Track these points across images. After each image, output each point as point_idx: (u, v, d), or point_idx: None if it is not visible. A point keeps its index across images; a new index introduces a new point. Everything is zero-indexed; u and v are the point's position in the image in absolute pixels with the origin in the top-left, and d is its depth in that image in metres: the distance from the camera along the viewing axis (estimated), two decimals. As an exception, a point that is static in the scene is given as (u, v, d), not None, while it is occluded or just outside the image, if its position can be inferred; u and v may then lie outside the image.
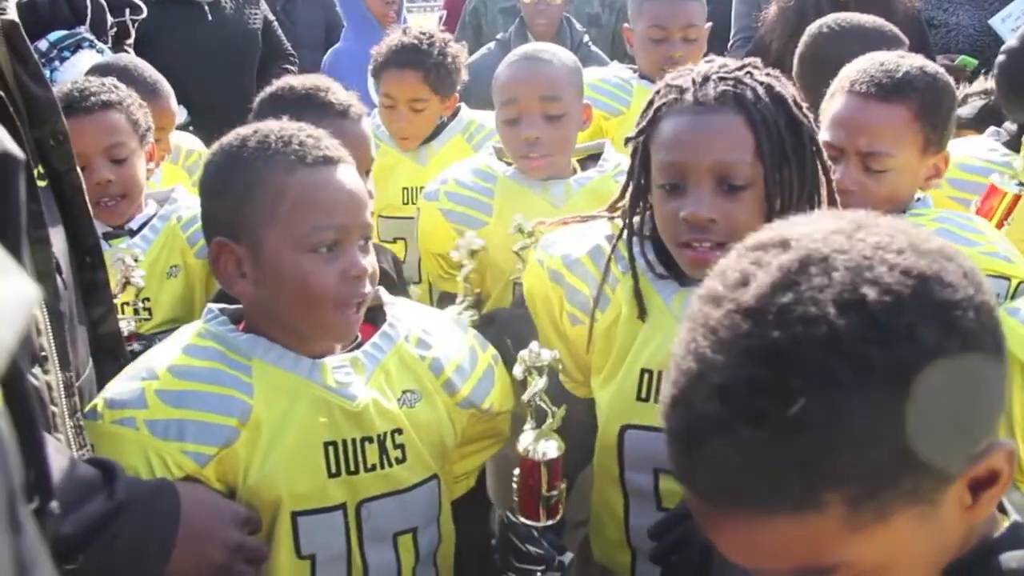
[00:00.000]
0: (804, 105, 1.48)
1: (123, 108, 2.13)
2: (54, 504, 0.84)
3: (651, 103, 1.50)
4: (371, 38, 3.63)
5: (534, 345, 1.45)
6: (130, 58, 2.67)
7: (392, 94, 2.61)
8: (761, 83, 1.44)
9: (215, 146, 1.45)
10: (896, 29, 2.43)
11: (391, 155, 2.66)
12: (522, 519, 1.45)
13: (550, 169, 2.20)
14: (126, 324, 1.90)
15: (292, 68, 3.81)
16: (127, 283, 1.91)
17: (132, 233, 2.18)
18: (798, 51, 2.49)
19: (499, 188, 2.23)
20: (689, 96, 1.44)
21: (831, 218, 0.79)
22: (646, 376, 1.54)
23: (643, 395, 1.54)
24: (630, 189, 1.56)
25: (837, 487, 0.71)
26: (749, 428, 0.70)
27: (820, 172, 1.47)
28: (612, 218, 1.65)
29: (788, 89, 1.48)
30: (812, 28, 2.50)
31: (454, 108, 2.73)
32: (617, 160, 2.30)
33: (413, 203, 2.60)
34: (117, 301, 1.91)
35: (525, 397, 1.44)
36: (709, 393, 0.72)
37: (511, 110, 2.19)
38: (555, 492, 1.44)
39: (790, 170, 1.43)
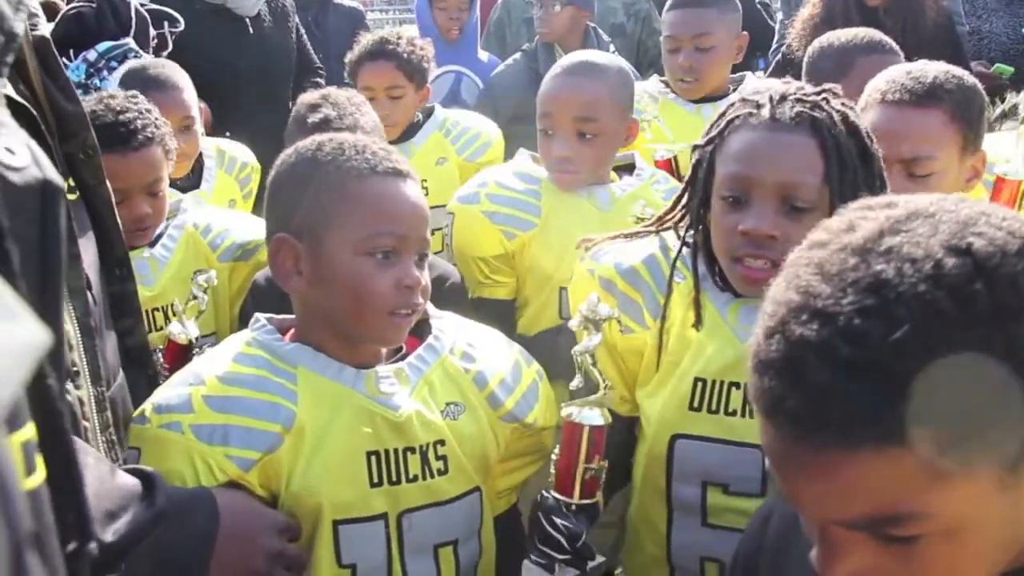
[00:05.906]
0: (874, 138, 1.47)
1: (160, 141, 2.15)
2: (92, 546, 0.84)
3: (723, 115, 1.50)
4: (438, 53, 3.68)
5: (592, 296, 1.44)
6: (153, 63, 2.66)
7: (371, 85, 2.76)
8: (837, 111, 1.44)
9: (290, 149, 1.48)
10: (892, 43, 2.41)
11: None
12: (554, 493, 1.42)
13: (579, 184, 2.17)
14: (179, 329, 1.92)
15: (320, 82, 3.81)
16: (193, 298, 1.96)
17: (151, 244, 2.18)
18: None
19: (545, 190, 2.18)
20: (765, 112, 1.44)
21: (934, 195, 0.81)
22: (699, 385, 1.52)
23: (695, 405, 1.52)
24: (691, 199, 1.54)
25: (927, 424, 0.69)
26: (849, 347, 0.70)
27: None
28: (659, 231, 1.63)
29: (861, 120, 1.47)
30: (812, 47, 2.50)
31: (426, 100, 2.86)
32: (651, 169, 2.29)
33: None
34: (180, 313, 1.96)
35: (577, 350, 1.42)
36: (810, 317, 0.73)
37: (545, 122, 2.16)
38: (593, 466, 1.41)
39: (855, 199, 1.41)
